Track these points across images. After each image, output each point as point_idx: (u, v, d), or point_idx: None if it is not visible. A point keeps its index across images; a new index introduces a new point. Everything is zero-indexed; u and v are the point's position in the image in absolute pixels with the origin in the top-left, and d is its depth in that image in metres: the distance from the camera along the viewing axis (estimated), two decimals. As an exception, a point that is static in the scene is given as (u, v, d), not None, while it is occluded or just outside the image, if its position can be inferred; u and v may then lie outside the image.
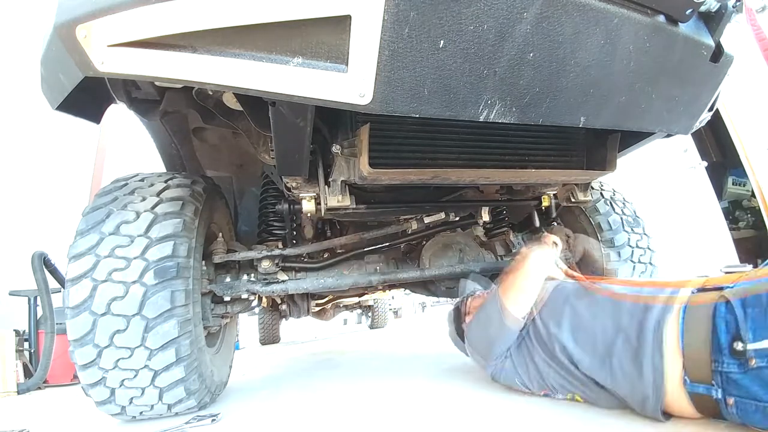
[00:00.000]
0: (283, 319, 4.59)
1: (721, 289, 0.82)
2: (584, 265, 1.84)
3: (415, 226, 1.77)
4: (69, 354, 1.21)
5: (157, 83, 1.30)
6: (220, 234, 1.64)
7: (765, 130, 3.43)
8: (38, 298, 3.20)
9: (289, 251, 1.67)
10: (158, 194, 1.35)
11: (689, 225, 3.61)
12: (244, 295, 1.64)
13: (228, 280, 1.62)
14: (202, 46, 0.75)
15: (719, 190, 3.94)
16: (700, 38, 1.02)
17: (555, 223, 2.20)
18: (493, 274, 1.75)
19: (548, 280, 1.19)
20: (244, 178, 2.05)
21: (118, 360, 1.19)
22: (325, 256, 1.89)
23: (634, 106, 1.08)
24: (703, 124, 1.37)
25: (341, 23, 0.70)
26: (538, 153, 1.45)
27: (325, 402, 1.38)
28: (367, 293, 3.27)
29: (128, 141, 5.88)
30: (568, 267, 1.33)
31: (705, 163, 3.65)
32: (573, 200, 1.75)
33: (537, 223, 2.03)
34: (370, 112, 0.80)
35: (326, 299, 3.91)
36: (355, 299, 4.57)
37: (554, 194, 1.81)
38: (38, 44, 0.92)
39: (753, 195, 3.71)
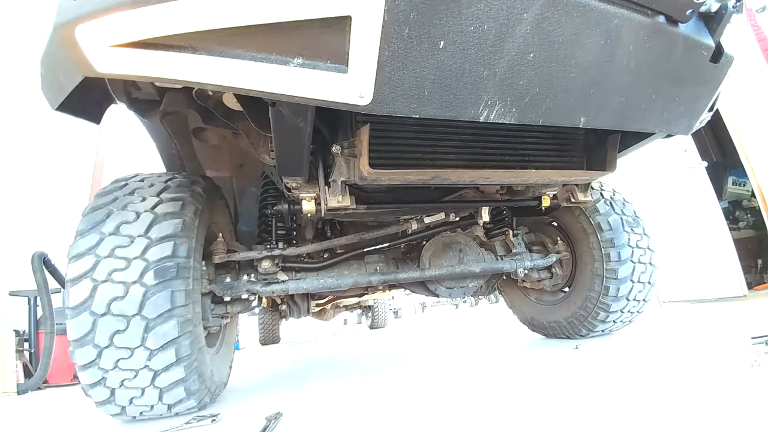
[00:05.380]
0: (283, 319, 4.59)
1: None
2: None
3: (415, 226, 1.78)
4: (69, 354, 1.21)
5: (157, 84, 1.31)
6: (220, 234, 1.64)
7: (765, 130, 3.43)
8: (38, 298, 3.20)
9: (289, 251, 1.67)
10: (158, 194, 1.35)
11: (689, 225, 3.61)
12: (244, 296, 1.64)
13: (228, 280, 1.62)
14: (202, 46, 0.75)
15: (719, 190, 3.94)
16: (700, 39, 1.02)
17: (554, 224, 2.21)
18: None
19: None
20: (244, 178, 2.05)
21: (118, 360, 1.19)
22: (325, 256, 1.90)
23: (634, 106, 1.08)
24: (703, 124, 1.38)
25: (341, 24, 0.70)
26: (538, 153, 1.46)
27: (324, 402, 1.38)
28: (367, 293, 3.26)
29: (128, 141, 5.89)
30: None
31: (705, 163, 3.65)
32: (573, 200, 1.75)
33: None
34: (370, 113, 0.81)
35: (326, 299, 3.91)
36: (355, 299, 4.57)
37: (554, 194, 1.81)
38: (38, 44, 0.92)
39: (753, 195, 3.71)
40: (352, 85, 0.75)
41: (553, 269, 2.16)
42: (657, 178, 3.81)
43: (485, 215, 1.90)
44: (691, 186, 3.63)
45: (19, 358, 3.18)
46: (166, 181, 1.42)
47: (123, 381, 1.22)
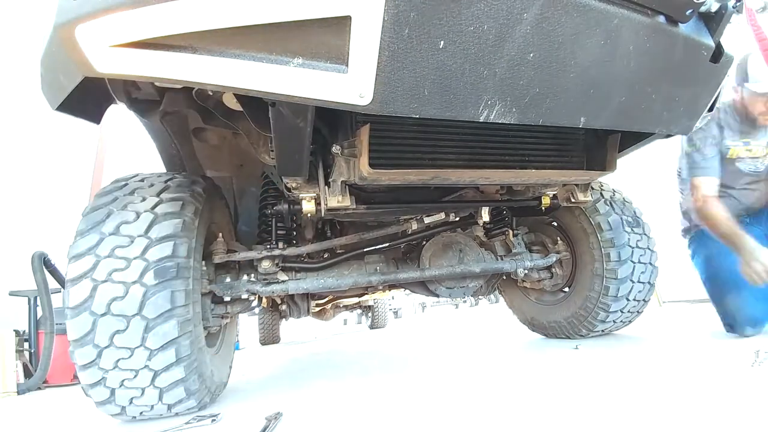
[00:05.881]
0: (283, 319, 4.59)
1: None
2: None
3: (415, 226, 1.78)
4: (69, 354, 1.21)
5: (157, 84, 1.31)
6: (220, 234, 1.64)
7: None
8: (38, 298, 3.20)
9: (289, 251, 1.67)
10: (158, 194, 1.35)
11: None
12: (244, 296, 1.64)
13: (228, 280, 1.62)
14: (202, 46, 0.75)
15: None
16: (700, 39, 1.02)
17: (554, 224, 2.21)
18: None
19: None
20: (244, 178, 2.05)
21: (118, 360, 1.19)
22: (325, 256, 1.90)
23: (634, 106, 1.08)
24: (703, 124, 1.38)
25: (341, 24, 0.70)
26: (538, 153, 1.46)
27: (325, 402, 1.38)
28: (367, 293, 3.27)
29: (128, 141, 5.89)
30: None
31: None
32: (573, 200, 1.75)
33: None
34: (370, 113, 0.81)
35: (326, 299, 3.91)
36: (355, 299, 4.57)
37: (554, 194, 1.81)
38: (38, 44, 0.92)
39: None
40: (352, 85, 0.75)
41: (553, 269, 2.16)
42: (665, 176, 3.77)
43: (485, 215, 1.90)
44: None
45: (19, 358, 3.17)
46: (166, 181, 1.42)
47: (123, 381, 1.22)
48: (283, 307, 2.31)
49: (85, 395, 1.27)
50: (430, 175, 1.26)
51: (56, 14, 0.76)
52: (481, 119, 0.91)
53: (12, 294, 3.42)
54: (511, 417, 0.98)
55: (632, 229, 1.94)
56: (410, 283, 1.98)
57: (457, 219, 1.96)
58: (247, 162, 1.94)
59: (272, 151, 1.25)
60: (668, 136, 1.42)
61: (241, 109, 1.11)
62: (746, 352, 1.33)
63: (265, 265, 1.64)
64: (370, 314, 6.39)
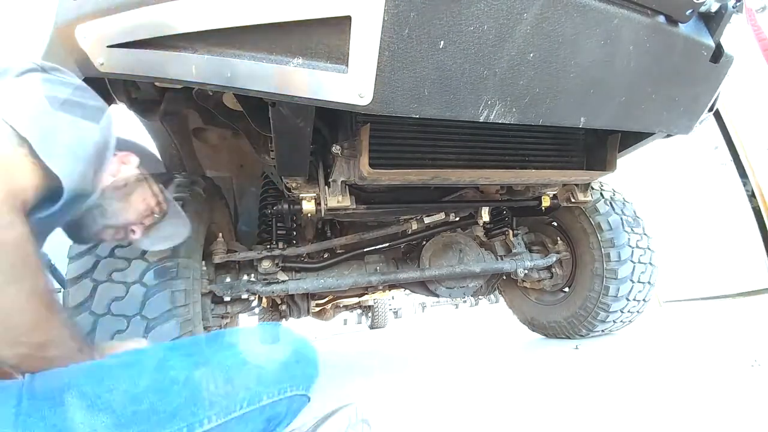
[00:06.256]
0: (283, 319, 4.59)
1: None
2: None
3: (415, 226, 1.78)
4: (69, 354, 1.21)
5: (157, 84, 1.30)
6: (220, 234, 1.64)
7: (765, 130, 3.43)
8: (38, 298, 3.20)
9: (289, 251, 1.68)
10: (158, 194, 1.35)
11: (718, 222, 3.57)
12: (244, 296, 1.65)
13: (228, 280, 1.62)
14: (202, 46, 0.75)
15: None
16: (700, 39, 1.02)
17: (553, 224, 2.21)
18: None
19: None
20: (244, 178, 2.06)
21: (118, 360, 1.19)
22: (325, 256, 1.90)
23: (634, 106, 1.08)
24: (702, 124, 1.38)
25: (341, 24, 0.70)
26: (538, 153, 1.46)
27: (324, 402, 1.38)
28: (367, 293, 3.27)
29: (128, 141, 5.89)
30: None
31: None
32: (573, 200, 1.75)
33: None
34: (370, 113, 0.81)
35: (326, 299, 3.91)
36: (355, 299, 4.58)
37: (554, 194, 1.81)
38: (38, 44, 0.92)
39: (753, 195, 3.71)
40: (352, 85, 0.75)
41: (553, 269, 2.16)
42: (685, 174, 3.76)
43: (485, 215, 1.90)
44: (723, 182, 3.59)
45: (19, 358, 3.18)
46: (166, 181, 1.42)
47: (123, 381, 1.22)
48: (283, 307, 2.31)
49: (85, 395, 1.27)
50: (430, 175, 1.26)
51: (56, 14, 0.76)
52: (481, 119, 0.90)
53: (12, 294, 3.41)
54: (511, 417, 0.98)
55: (632, 229, 1.94)
56: (410, 283, 1.98)
57: (457, 219, 1.96)
58: (247, 162, 1.94)
59: (272, 151, 1.25)
60: (668, 136, 1.42)
61: (241, 110, 1.11)
62: (746, 352, 1.33)
63: (265, 265, 1.64)
64: (370, 314, 6.41)
